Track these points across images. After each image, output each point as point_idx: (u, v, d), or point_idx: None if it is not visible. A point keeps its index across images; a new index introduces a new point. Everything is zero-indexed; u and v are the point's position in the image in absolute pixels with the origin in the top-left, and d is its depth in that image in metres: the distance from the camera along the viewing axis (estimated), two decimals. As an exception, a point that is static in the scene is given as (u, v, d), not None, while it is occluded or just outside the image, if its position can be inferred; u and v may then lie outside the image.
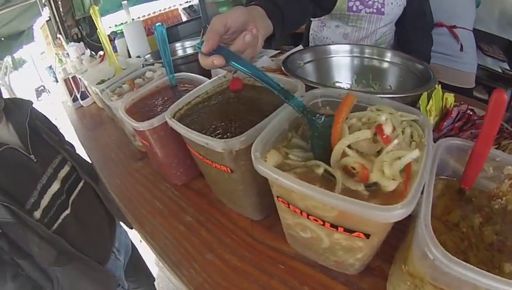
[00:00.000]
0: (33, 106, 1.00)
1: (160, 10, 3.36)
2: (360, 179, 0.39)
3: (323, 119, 0.46)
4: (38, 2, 2.62)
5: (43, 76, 4.40)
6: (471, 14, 1.47)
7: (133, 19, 2.91)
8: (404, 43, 1.26)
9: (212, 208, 0.73)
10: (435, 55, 1.33)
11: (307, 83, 0.64)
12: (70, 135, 1.44)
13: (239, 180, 0.55)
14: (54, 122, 1.14)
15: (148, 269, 1.43)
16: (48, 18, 2.53)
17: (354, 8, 1.10)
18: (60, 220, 0.89)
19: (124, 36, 1.58)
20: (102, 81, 1.15)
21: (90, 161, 1.11)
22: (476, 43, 1.53)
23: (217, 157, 0.52)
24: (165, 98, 0.80)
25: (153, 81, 0.92)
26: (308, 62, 0.87)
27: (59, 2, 2.41)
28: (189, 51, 1.35)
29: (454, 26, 1.43)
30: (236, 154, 0.48)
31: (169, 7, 3.42)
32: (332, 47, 0.90)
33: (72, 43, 1.96)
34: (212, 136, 0.52)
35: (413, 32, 1.23)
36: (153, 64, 1.06)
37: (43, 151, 0.91)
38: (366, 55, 0.89)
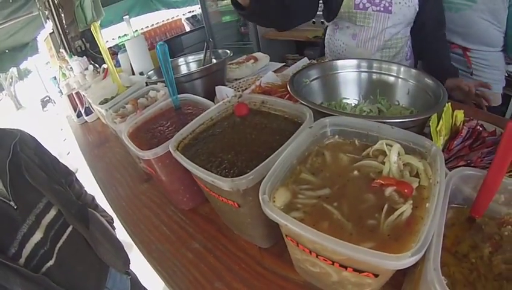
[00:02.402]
0: (21, 135, 0.90)
1: (163, 21, 3.36)
2: None
3: None
4: (41, 14, 2.63)
5: (48, 86, 4.44)
6: (501, 37, 1.29)
7: (136, 30, 2.93)
8: (428, 53, 1.24)
9: (220, 234, 0.72)
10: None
11: (315, 107, 0.62)
12: (76, 146, 1.45)
13: (247, 214, 0.53)
14: (48, 150, 1.01)
15: None
16: (51, 31, 2.54)
17: (361, 6, 1.10)
18: (43, 270, 0.80)
19: (127, 51, 1.57)
20: (106, 100, 1.14)
21: (93, 186, 1.07)
22: None
23: (224, 192, 0.50)
24: (169, 122, 0.79)
25: (156, 102, 0.90)
26: (314, 79, 0.85)
27: (62, 15, 2.42)
28: (193, 66, 1.33)
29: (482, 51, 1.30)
30: (244, 191, 0.47)
31: (172, 17, 3.43)
32: (339, 62, 0.87)
33: (75, 57, 1.96)
34: (218, 171, 0.51)
35: (436, 43, 1.21)
36: (156, 83, 1.05)
37: (25, 196, 0.82)
38: (373, 70, 0.87)
